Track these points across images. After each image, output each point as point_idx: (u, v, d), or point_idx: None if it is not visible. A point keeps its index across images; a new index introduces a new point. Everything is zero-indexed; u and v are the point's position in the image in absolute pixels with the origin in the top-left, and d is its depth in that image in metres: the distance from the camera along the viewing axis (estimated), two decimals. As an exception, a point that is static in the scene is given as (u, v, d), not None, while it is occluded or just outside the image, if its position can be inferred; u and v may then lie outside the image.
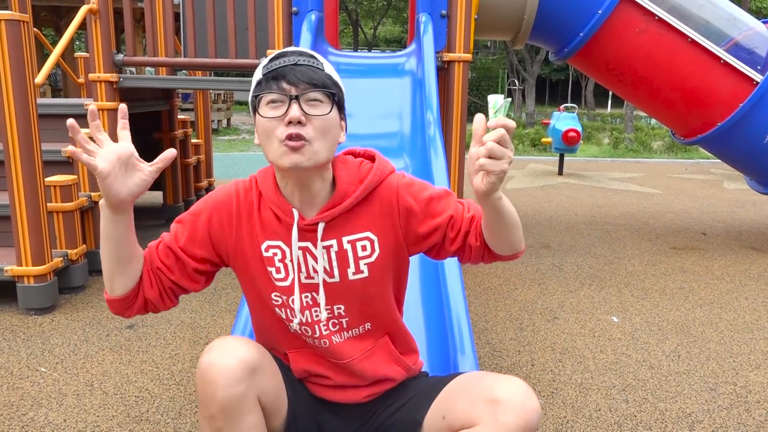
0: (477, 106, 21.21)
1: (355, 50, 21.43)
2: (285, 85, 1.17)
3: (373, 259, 1.29)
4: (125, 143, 1.15)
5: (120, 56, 3.78)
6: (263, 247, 1.28)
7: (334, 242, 1.27)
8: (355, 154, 1.38)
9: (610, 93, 20.34)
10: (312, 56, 1.23)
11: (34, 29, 3.38)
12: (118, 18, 3.86)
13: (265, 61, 1.24)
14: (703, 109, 4.28)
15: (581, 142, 8.17)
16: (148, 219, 5.12)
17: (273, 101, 1.18)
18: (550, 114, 9.06)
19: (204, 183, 5.79)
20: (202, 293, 3.29)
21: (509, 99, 1.12)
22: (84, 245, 3.42)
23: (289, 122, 1.16)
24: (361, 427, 1.39)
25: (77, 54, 6.15)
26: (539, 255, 4.27)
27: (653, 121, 15.41)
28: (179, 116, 5.13)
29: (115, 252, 1.21)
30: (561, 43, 4.45)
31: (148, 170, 1.17)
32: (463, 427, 1.19)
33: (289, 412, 1.32)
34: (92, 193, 3.55)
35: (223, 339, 1.24)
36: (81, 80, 5.99)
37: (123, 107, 1.16)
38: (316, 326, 1.31)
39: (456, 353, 1.73)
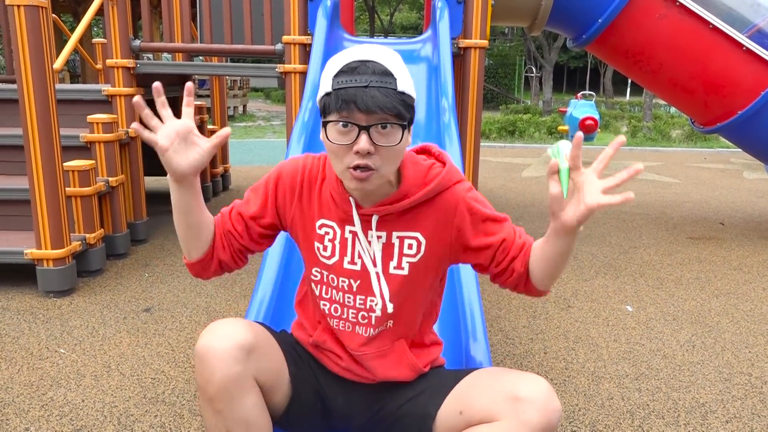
0: (493, 93, 21.06)
1: (371, 37, 21.32)
2: (355, 112, 1.12)
3: (416, 259, 1.30)
4: (187, 120, 1.20)
5: (137, 42, 3.80)
6: (317, 224, 1.33)
7: (384, 234, 1.29)
8: (429, 154, 1.38)
9: (629, 81, 20.06)
10: (385, 72, 1.14)
11: (53, 15, 3.41)
12: (135, 4, 3.88)
13: (334, 66, 1.17)
14: (724, 96, 4.21)
15: (599, 130, 8.09)
16: (165, 204, 5.15)
17: (342, 125, 1.14)
18: (567, 102, 8.96)
19: (219, 169, 5.81)
20: (218, 279, 3.32)
21: (569, 143, 1.14)
22: (102, 229, 3.47)
23: (357, 152, 1.14)
24: (368, 410, 1.40)
25: (95, 40, 6.21)
26: (554, 243, 4.25)
27: (672, 109, 15.19)
28: (195, 102, 5.15)
29: (185, 220, 1.29)
30: (579, 30, 4.39)
31: (205, 146, 1.21)
32: (482, 423, 1.19)
33: (293, 388, 1.35)
34: (109, 179, 3.59)
35: (218, 322, 1.28)
36: (99, 66, 6.04)
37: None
38: (346, 309, 1.34)
39: (468, 339, 1.74)
